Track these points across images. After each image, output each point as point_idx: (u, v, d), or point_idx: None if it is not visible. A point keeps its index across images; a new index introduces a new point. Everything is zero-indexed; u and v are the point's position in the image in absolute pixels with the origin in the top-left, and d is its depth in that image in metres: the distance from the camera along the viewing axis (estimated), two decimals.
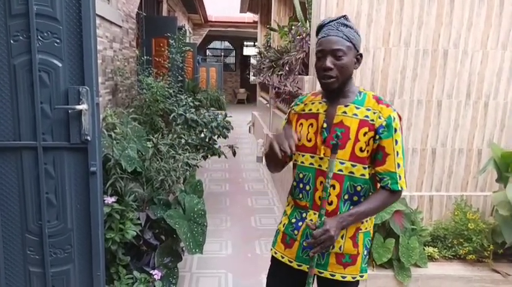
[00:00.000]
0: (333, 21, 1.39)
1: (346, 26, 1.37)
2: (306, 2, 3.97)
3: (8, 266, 1.94)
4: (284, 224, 1.55)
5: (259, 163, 6.35)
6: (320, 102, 1.47)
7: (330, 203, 1.42)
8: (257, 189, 5.05)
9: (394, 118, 1.37)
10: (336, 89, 1.41)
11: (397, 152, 1.38)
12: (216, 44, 17.80)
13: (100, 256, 1.96)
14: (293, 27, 4.29)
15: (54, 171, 1.87)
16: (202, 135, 4.08)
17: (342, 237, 1.42)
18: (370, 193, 1.44)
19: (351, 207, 1.42)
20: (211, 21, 13.83)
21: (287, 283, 1.56)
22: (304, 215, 1.48)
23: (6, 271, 1.94)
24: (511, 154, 2.70)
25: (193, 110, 4.24)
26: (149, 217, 2.46)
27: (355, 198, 1.42)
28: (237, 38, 16.70)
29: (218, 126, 4.16)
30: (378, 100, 1.41)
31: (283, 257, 1.54)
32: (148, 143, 2.90)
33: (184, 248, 2.62)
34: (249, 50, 17.07)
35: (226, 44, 17.80)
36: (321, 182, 1.41)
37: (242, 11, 10.43)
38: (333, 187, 1.41)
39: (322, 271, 1.46)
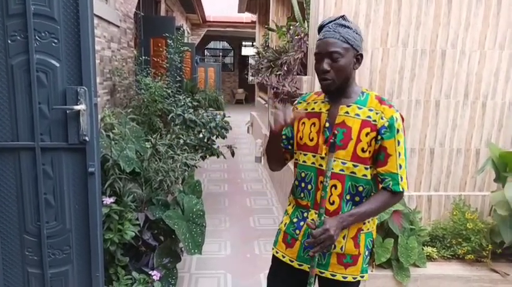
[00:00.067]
0: (331, 22, 1.39)
1: (344, 26, 1.36)
2: (304, 2, 3.97)
3: (6, 267, 1.93)
4: (285, 223, 1.55)
5: (258, 163, 6.35)
6: (323, 102, 1.47)
7: (332, 203, 1.41)
8: (256, 189, 5.05)
9: (396, 119, 1.37)
10: (334, 91, 1.41)
11: (399, 153, 1.38)
12: (214, 44, 17.80)
13: (99, 256, 1.95)
14: (291, 27, 4.29)
15: (53, 172, 1.87)
16: (201, 135, 4.08)
17: (343, 237, 1.42)
18: (373, 194, 1.44)
19: (353, 207, 1.41)
20: (210, 21, 13.82)
21: (288, 282, 1.56)
22: (305, 214, 1.48)
23: (5, 272, 1.93)
24: (509, 154, 2.71)
25: (191, 110, 4.24)
26: (148, 217, 2.45)
27: (357, 198, 1.42)
28: (235, 38, 16.70)
29: (217, 126, 4.16)
30: (381, 101, 1.40)
31: (284, 257, 1.54)
32: (146, 143, 2.89)
33: (183, 249, 2.61)
34: (247, 50, 17.09)
35: (225, 44, 17.79)
36: (321, 182, 1.41)
37: (240, 11, 10.42)
38: (335, 186, 1.40)
39: (323, 271, 1.46)
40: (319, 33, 1.42)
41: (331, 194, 1.41)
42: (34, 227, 1.90)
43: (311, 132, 1.46)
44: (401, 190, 1.39)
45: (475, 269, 2.72)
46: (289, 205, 1.58)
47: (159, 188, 2.69)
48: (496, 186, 2.96)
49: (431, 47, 2.87)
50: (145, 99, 4.15)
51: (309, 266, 1.45)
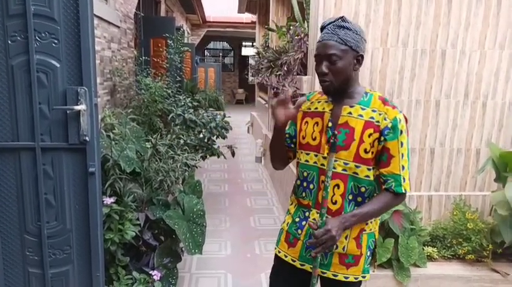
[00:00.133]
0: (330, 23, 1.39)
1: (343, 28, 1.35)
2: (304, 2, 3.97)
3: (7, 267, 1.93)
4: (288, 223, 1.56)
5: (258, 163, 6.35)
6: (326, 101, 1.47)
7: (335, 203, 1.41)
8: (256, 189, 5.05)
9: (400, 120, 1.37)
10: (334, 92, 1.41)
11: (402, 154, 1.37)
12: (214, 44, 17.80)
13: (99, 256, 1.95)
14: (291, 27, 4.29)
15: (53, 172, 1.87)
16: (201, 135, 4.08)
17: (345, 237, 1.42)
18: (375, 194, 1.44)
19: (355, 208, 1.41)
20: (210, 22, 13.83)
21: (290, 281, 1.56)
22: (307, 214, 1.48)
23: (6, 272, 1.93)
24: (509, 154, 2.71)
25: (191, 110, 4.24)
26: (148, 217, 2.45)
27: (359, 199, 1.42)
28: (235, 39, 16.71)
29: (217, 126, 4.16)
30: (384, 101, 1.40)
31: (286, 256, 1.54)
32: (147, 143, 2.89)
33: (183, 249, 2.61)
34: (247, 51, 17.09)
35: (225, 44, 17.80)
36: (323, 181, 1.41)
37: (240, 11, 10.42)
38: (337, 186, 1.41)
39: (325, 271, 1.46)
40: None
41: (334, 194, 1.41)
42: (34, 227, 1.90)
43: (314, 131, 1.46)
44: (403, 191, 1.39)
45: (476, 269, 2.71)
46: (291, 204, 1.58)
47: (160, 188, 2.69)
48: (496, 186, 2.95)
49: (431, 47, 2.87)
50: (145, 100, 4.15)
51: (311, 266, 1.45)
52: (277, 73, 4.35)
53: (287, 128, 1.56)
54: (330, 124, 1.42)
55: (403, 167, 1.38)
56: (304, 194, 1.49)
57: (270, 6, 6.98)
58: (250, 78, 12.24)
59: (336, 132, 1.38)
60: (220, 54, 17.84)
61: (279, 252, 1.57)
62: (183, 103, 4.36)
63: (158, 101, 4.16)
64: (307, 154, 1.48)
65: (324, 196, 1.38)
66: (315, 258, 1.40)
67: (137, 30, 5.90)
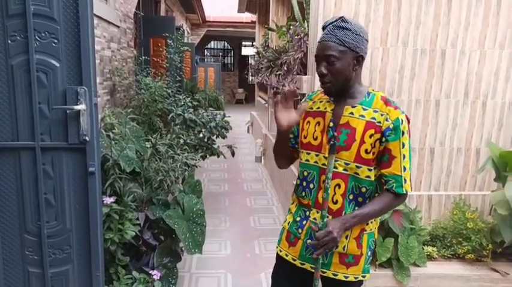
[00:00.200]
0: (330, 24, 1.38)
1: (342, 28, 1.35)
2: (304, 2, 3.97)
3: (6, 266, 1.93)
4: (289, 222, 1.56)
5: (258, 162, 6.35)
6: (328, 101, 1.47)
7: (335, 203, 1.42)
8: (256, 189, 5.05)
9: (402, 121, 1.36)
10: (334, 93, 1.41)
11: (404, 155, 1.37)
12: (214, 44, 17.79)
13: (99, 256, 1.95)
14: (291, 27, 4.29)
15: (53, 171, 1.87)
16: (201, 135, 4.08)
17: (346, 237, 1.42)
18: (377, 194, 1.44)
19: (356, 208, 1.42)
20: (209, 21, 13.82)
21: (291, 280, 1.57)
22: (307, 213, 1.48)
23: (5, 271, 1.93)
24: (509, 153, 2.71)
25: (191, 110, 4.24)
26: (148, 217, 2.45)
27: (360, 199, 1.42)
28: (235, 38, 16.70)
29: (217, 126, 4.16)
30: (386, 102, 1.39)
31: (287, 255, 1.54)
32: (146, 143, 2.89)
33: (183, 249, 2.61)
34: (247, 50, 17.09)
35: (225, 44, 17.79)
36: (323, 181, 1.41)
37: (240, 11, 10.42)
38: (338, 185, 1.41)
39: (325, 270, 1.46)
40: None
41: (335, 194, 1.41)
42: (34, 227, 1.90)
43: (315, 131, 1.46)
44: (404, 192, 1.38)
45: (475, 268, 2.72)
46: (292, 203, 1.59)
47: (159, 187, 2.69)
48: (496, 185, 2.96)
49: (431, 46, 2.87)
50: (145, 99, 4.15)
51: (311, 265, 1.46)
52: (277, 73, 4.35)
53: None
54: (332, 124, 1.42)
55: (404, 168, 1.38)
56: (304, 194, 1.49)
57: (270, 6, 6.98)
58: (250, 78, 12.25)
59: (336, 134, 1.38)
60: (220, 54, 17.83)
61: (280, 251, 1.58)
62: (183, 103, 4.36)
63: (158, 100, 4.16)
64: (308, 154, 1.48)
65: (324, 197, 1.38)
66: (317, 260, 1.40)
67: (137, 30, 5.90)
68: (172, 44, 5.05)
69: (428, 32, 2.85)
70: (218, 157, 4.25)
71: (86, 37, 1.77)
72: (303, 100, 1.61)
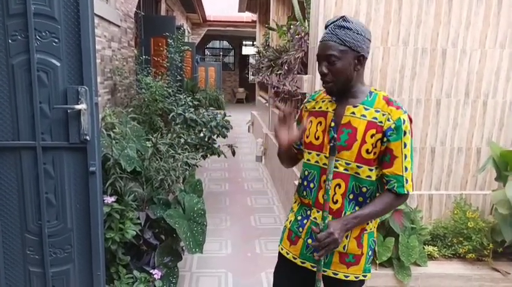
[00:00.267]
0: (332, 23, 1.38)
1: (343, 28, 1.34)
2: (305, 1, 3.97)
3: (7, 266, 1.93)
4: (290, 221, 1.57)
5: (259, 162, 6.35)
6: (330, 101, 1.47)
7: (335, 202, 1.42)
8: (256, 188, 5.05)
9: (404, 121, 1.35)
10: (336, 92, 1.41)
11: (405, 155, 1.37)
12: (214, 43, 17.79)
13: (100, 255, 1.96)
14: (292, 26, 4.29)
15: (54, 171, 1.87)
16: (202, 134, 4.08)
17: (346, 237, 1.42)
18: (378, 194, 1.44)
19: (356, 207, 1.42)
20: (210, 21, 13.82)
21: (291, 279, 1.57)
22: (308, 212, 1.49)
23: (6, 271, 1.93)
24: (510, 153, 2.71)
25: (192, 109, 4.24)
26: (149, 216, 2.45)
27: (361, 199, 1.42)
28: (235, 38, 16.70)
29: (217, 125, 4.16)
30: (388, 102, 1.38)
31: (288, 254, 1.55)
32: (147, 142, 2.90)
33: (184, 248, 2.62)
34: (247, 50, 17.08)
35: (225, 43, 17.79)
36: (324, 181, 1.42)
37: (240, 10, 10.42)
38: (339, 185, 1.41)
39: (325, 269, 1.46)
40: None
41: (335, 193, 1.41)
42: (35, 226, 1.91)
43: (317, 131, 1.46)
44: (405, 192, 1.38)
45: (476, 268, 2.71)
46: (295, 202, 1.59)
47: (160, 187, 2.70)
48: (497, 185, 2.95)
49: (432, 45, 2.87)
50: (146, 99, 4.15)
51: (311, 264, 1.47)
52: (278, 72, 4.35)
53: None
54: (333, 124, 1.42)
55: (406, 168, 1.37)
56: (305, 193, 1.49)
57: (271, 5, 6.98)
58: (251, 77, 12.24)
59: (335, 135, 1.38)
60: (221, 53, 17.83)
61: (282, 249, 1.59)
62: (183, 102, 4.36)
63: (159, 100, 4.16)
64: (309, 153, 1.48)
65: (325, 198, 1.39)
66: (319, 261, 1.40)
67: (137, 30, 5.90)
68: (172, 43, 5.05)
69: (429, 32, 2.85)
70: (219, 156, 4.25)
71: (86, 37, 1.77)
72: (305, 100, 1.61)
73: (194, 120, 4.05)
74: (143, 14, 6.13)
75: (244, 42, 17.34)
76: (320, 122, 1.46)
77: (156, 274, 2.32)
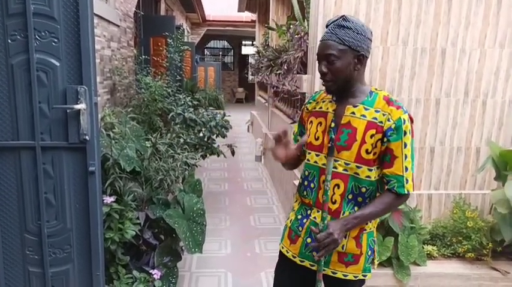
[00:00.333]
0: (332, 22, 1.39)
1: (343, 27, 1.34)
2: (304, 1, 3.97)
3: (7, 266, 1.93)
4: (291, 220, 1.58)
5: (258, 162, 6.35)
6: (330, 101, 1.47)
7: (334, 202, 1.42)
8: (256, 188, 5.05)
9: (404, 121, 1.35)
10: (335, 91, 1.41)
11: (406, 155, 1.36)
12: (214, 43, 17.78)
13: (99, 255, 1.95)
14: (291, 26, 4.29)
15: (53, 171, 1.87)
16: (201, 134, 4.08)
17: (345, 236, 1.42)
18: (378, 194, 1.44)
19: (355, 207, 1.42)
20: (209, 21, 13.82)
21: (291, 277, 1.58)
22: (309, 212, 1.49)
23: (6, 271, 1.93)
24: (509, 152, 2.71)
25: (191, 109, 4.24)
26: (148, 216, 2.45)
27: (360, 199, 1.42)
28: (235, 37, 16.69)
29: (217, 125, 4.16)
30: (389, 101, 1.38)
31: (288, 252, 1.56)
32: (147, 142, 2.89)
33: (183, 248, 2.61)
34: (247, 49, 17.07)
35: (225, 43, 17.78)
36: (323, 181, 1.42)
37: (240, 10, 10.43)
38: (338, 186, 1.41)
39: (324, 268, 1.46)
40: None
41: (334, 193, 1.41)
42: (35, 226, 1.90)
43: (317, 131, 1.47)
44: (406, 192, 1.38)
45: (475, 267, 2.72)
46: (296, 201, 1.60)
47: (160, 187, 2.69)
48: (496, 184, 2.96)
49: (431, 45, 2.87)
50: (145, 99, 4.15)
51: (310, 263, 1.48)
52: (277, 72, 4.35)
53: (295, 130, 1.63)
54: (333, 125, 1.42)
55: (406, 168, 1.37)
56: (305, 193, 1.50)
57: (270, 5, 6.98)
58: (250, 77, 12.25)
59: (334, 136, 1.38)
60: (220, 53, 17.82)
61: (282, 248, 1.60)
62: (183, 102, 4.36)
63: (158, 100, 4.16)
64: (309, 153, 1.49)
65: (324, 199, 1.39)
66: (319, 261, 1.41)
67: (137, 29, 5.90)
68: (172, 43, 5.05)
69: (429, 31, 2.85)
70: (218, 156, 4.25)
71: (86, 36, 1.77)
72: (306, 101, 1.61)
73: (193, 120, 4.05)
74: (142, 14, 6.12)
75: (243, 42, 17.33)
76: (320, 123, 1.46)
77: (156, 274, 2.32)
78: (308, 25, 3.39)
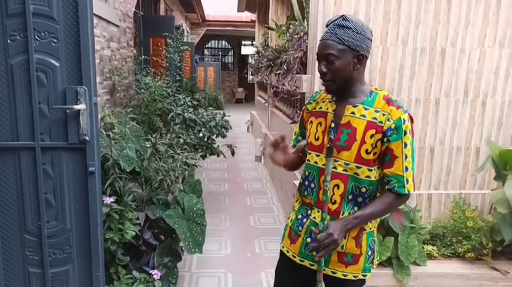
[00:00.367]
0: (331, 22, 1.39)
1: (343, 27, 1.34)
2: (304, 1, 3.97)
3: (7, 267, 1.93)
4: (292, 219, 1.58)
5: (258, 162, 6.35)
6: (330, 101, 1.47)
7: (334, 203, 1.42)
8: (256, 188, 5.05)
9: (404, 120, 1.35)
10: (335, 91, 1.41)
11: (406, 155, 1.36)
12: (213, 43, 17.78)
13: (99, 256, 1.95)
14: (291, 26, 4.29)
15: (53, 171, 1.87)
16: (201, 134, 4.08)
17: (344, 236, 1.42)
18: (379, 194, 1.44)
19: (355, 208, 1.42)
20: (209, 21, 13.82)
21: (291, 276, 1.58)
22: (309, 212, 1.49)
23: (6, 271, 1.93)
24: (509, 152, 2.71)
25: (191, 109, 4.24)
26: (148, 216, 2.45)
27: (360, 199, 1.42)
28: (234, 37, 16.69)
29: (216, 125, 4.16)
30: (389, 101, 1.38)
31: (288, 252, 1.56)
32: (146, 142, 2.89)
33: (183, 248, 2.61)
34: (247, 49, 17.08)
35: (224, 43, 17.78)
36: (323, 181, 1.42)
37: (240, 10, 10.43)
38: (337, 186, 1.41)
39: (324, 268, 1.46)
40: None
41: (333, 194, 1.41)
42: (34, 227, 1.90)
43: (317, 131, 1.47)
44: (406, 192, 1.38)
45: (475, 267, 2.72)
46: (296, 201, 1.60)
47: (160, 187, 2.69)
48: (496, 184, 2.96)
49: (431, 45, 2.87)
50: (145, 99, 4.15)
51: (310, 262, 1.48)
52: (277, 72, 4.35)
53: (297, 131, 1.63)
54: (333, 125, 1.42)
55: (406, 168, 1.37)
56: (306, 193, 1.50)
57: (270, 5, 6.98)
58: (250, 77, 12.23)
59: (332, 137, 1.39)
60: (220, 53, 17.82)
61: (283, 247, 1.60)
62: (182, 102, 4.36)
63: (158, 100, 4.16)
64: (310, 154, 1.49)
65: (323, 200, 1.39)
66: (319, 261, 1.41)
67: (136, 29, 5.89)
68: (171, 43, 5.05)
69: (428, 31, 2.85)
70: (218, 156, 4.25)
71: (85, 36, 1.77)
72: (307, 101, 1.61)
73: (193, 121, 4.05)
74: (142, 14, 6.12)
75: (243, 42, 17.33)
76: (320, 123, 1.46)
77: (156, 274, 2.32)
78: (308, 25, 3.39)
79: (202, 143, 4.03)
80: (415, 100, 2.93)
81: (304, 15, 3.86)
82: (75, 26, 1.77)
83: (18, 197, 1.87)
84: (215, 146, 4.18)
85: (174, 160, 2.90)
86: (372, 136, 1.36)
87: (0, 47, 1.75)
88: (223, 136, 4.29)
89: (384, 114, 1.36)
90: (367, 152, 1.37)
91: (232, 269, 2.99)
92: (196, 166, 3.43)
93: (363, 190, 1.41)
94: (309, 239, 1.47)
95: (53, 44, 1.77)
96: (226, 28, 14.29)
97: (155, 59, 5.68)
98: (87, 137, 1.83)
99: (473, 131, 2.99)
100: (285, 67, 3.80)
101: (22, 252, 1.92)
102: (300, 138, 1.61)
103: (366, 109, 1.39)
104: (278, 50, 4.65)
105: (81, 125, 1.81)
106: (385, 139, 1.36)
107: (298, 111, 4.07)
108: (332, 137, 1.38)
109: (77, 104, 1.79)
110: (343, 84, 1.39)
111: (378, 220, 1.55)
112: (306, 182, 1.50)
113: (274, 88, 4.84)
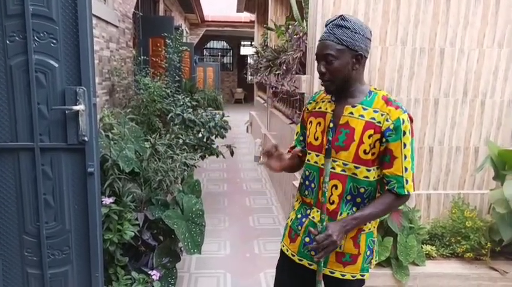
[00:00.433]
0: (330, 22, 1.39)
1: (341, 27, 1.34)
2: (303, 1, 3.97)
3: (5, 267, 1.93)
4: (291, 219, 1.59)
5: (257, 162, 6.35)
6: (329, 101, 1.48)
7: (332, 203, 1.42)
8: (255, 189, 5.05)
9: (403, 121, 1.34)
10: (334, 91, 1.41)
11: (405, 155, 1.36)
12: (213, 43, 17.78)
13: (98, 257, 1.95)
14: (290, 26, 4.29)
15: (52, 172, 1.87)
16: (200, 135, 4.08)
17: (343, 237, 1.43)
18: (378, 194, 1.44)
19: (353, 208, 1.42)
20: (208, 21, 13.82)
21: (291, 275, 1.59)
22: (308, 211, 1.50)
23: (4, 272, 1.93)
24: (508, 152, 2.71)
25: (190, 110, 4.24)
26: (147, 217, 2.45)
27: (358, 199, 1.42)
28: (234, 38, 16.69)
29: (216, 126, 4.16)
30: (387, 101, 1.37)
31: (287, 251, 1.57)
32: (146, 143, 2.89)
33: (182, 249, 2.61)
34: (246, 50, 17.07)
35: (223, 43, 17.78)
36: (323, 182, 1.42)
37: (239, 10, 10.43)
38: (335, 186, 1.41)
39: (322, 267, 1.47)
40: None
41: (332, 194, 1.42)
42: (33, 228, 1.90)
43: (316, 131, 1.47)
44: (406, 193, 1.37)
45: (474, 267, 2.72)
46: (297, 200, 1.61)
47: (159, 188, 2.69)
48: (494, 184, 2.96)
49: (430, 45, 2.87)
50: (144, 99, 4.15)
51: (309, 262, 1.49)
52: (276, 72, 4.35)
53: (298, 131, 1.64)
54: (332, 125, 1.42)
55: (405, 169, 1.36)
56: (306, 193, 1.50)
57: (269, 6, 6.98)
58: (249, 77, 12.24)
59: (331, 138, 1.39)
60: (219, 53, 17.82)
61: (283, 246, 1.61)
62: (182, 103, 4.36)
63: (157, 100, 4.15)
64: (309, 154, 1.49)
65: (322, 201, 1.39)
66: (319, 262, 1.41)
67: (136, 30, 5.89)
68: (171, 43, 5.04)
69: (427, 31, 2.85)
70: (217, 156, 4.25)
71: (84, 37, 1.77)
72: (307, 102, 1.62)
73: (192, 121, 4.05)
74: (141, 15, 6.12)
75: (242, 43, 17.33)
76: (319, 123, 1.47)
77: (155, 275, 2.32)
78: (307, 25, 3.40)
79: (201, 143, 4.03)
80: (414, 100, 2.93)
81: (303, 16, 3.87)
82: (74, 27, 1.77)
83: (17, 197, 1.87)
84: (214, 146, 4.18)
85: (173, 160, 2.90)
86: (370, 136, 1.36)
87: (0, 48, 1.75)
88: (223, 137, 4.29)
89: (382, 115, 1.36)
90: (365, 152, 1.37)
91: (231, 270, 2.99)
92: (196, 167, 3.44)
93: (362, 190, 1.41)
94: (307, 239, 1.48)
95: (52, 44, 1.77)
96: (226, 28, 14.29)
97: (154, 59, 5.68)
98: (86, 138, 1.83)
99: (472, 131, 3.00)
100: (284, 67, 3.80)
101: (21, 253, 1.92)
102: (301, 138, 1.62)
103: (364, 109, 1.39)
104: (277, 50, 4.65)
105: (80, 126, 1.81)
106: (384, 139, 1.36)
107: (297, 112, 4.07)
108: (330, 138, 1.38)
109: (76, 105, 1.79)
110: (342, 84, 1.39)
111: (378, 220, 1.55)
112: (307, 182, 1.50)
113: (274, 88, 4.84)
